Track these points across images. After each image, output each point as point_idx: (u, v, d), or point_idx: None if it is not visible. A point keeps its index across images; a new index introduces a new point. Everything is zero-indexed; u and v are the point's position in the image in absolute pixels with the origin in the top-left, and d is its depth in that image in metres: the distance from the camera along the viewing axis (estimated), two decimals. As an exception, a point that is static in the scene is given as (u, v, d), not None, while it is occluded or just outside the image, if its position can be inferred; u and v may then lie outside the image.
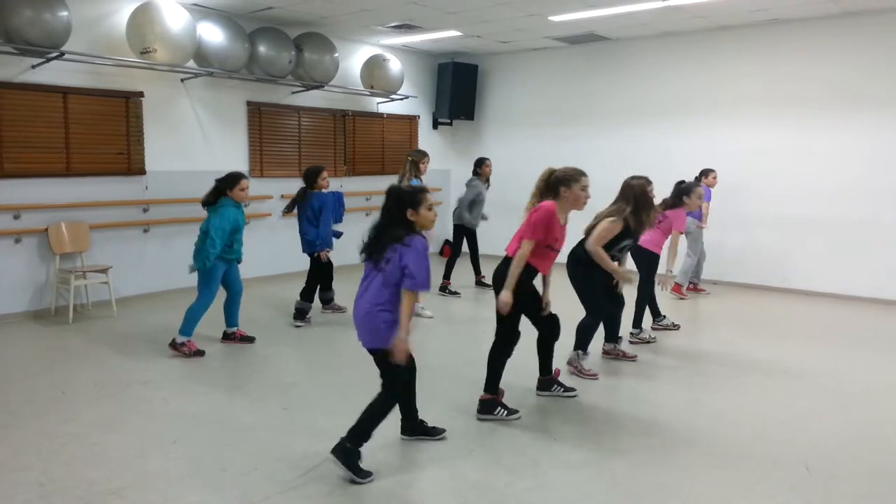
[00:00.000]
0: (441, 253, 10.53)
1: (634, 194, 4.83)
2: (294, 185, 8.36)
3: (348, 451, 3.35)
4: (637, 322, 5.92)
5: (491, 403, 4.13)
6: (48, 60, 6.43)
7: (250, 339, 5.78)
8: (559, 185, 4.07)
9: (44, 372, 4.99)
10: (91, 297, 6.93)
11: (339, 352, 5.66)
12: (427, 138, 10.76)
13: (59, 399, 4.42)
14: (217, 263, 5.34)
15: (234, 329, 5.77)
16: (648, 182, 4.94)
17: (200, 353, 5.39)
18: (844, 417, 4.22)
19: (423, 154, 7.06)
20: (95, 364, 5.16)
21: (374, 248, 3.35)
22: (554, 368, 4.53)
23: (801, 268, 8.14)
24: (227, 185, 5.38)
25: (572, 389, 4.50)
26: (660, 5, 7.33)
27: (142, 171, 7.30)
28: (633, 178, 4.95)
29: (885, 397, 4.60)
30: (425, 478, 3.40)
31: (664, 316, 6.32)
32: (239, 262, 5.63)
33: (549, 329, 4.31)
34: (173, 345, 5.39)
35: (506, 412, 4.12)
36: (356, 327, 3.42)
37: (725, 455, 3.65)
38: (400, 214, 3.34)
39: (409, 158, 6.93)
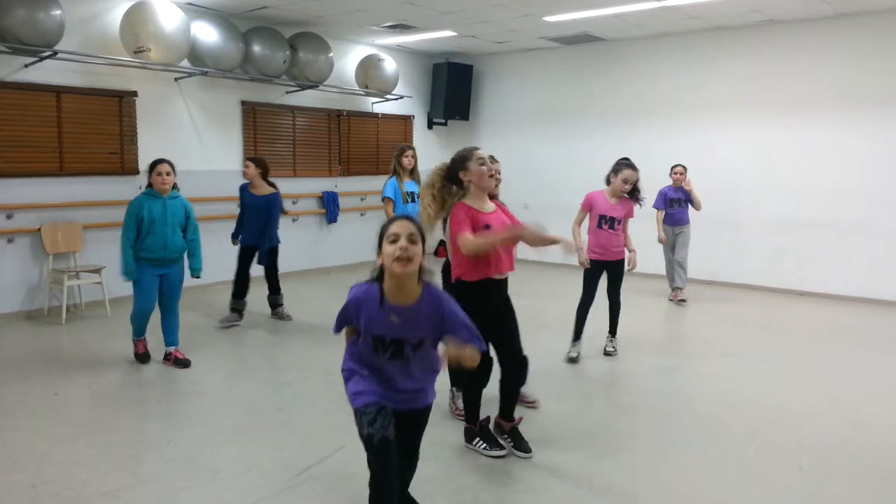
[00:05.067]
0: (436, 253, 10.50)
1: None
2: (288, 185, 8.41)
3: None
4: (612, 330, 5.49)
5: (469, 432, 3.72)
6: (41, 59, 6.40)
7: (182, 363, 5.04)
8: (457, 173, 3.50)
9: (37, 372, 4.96)
10: (84, 298, 6.90)
11: (335, 353, 5.63)
12: (422, 138, 10.75)
13: (52, 400, 4.40)
14: (139, 268, 4.79)
15: (173, 348, 5.12)
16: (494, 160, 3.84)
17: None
18: (838, 417, 4.23)
19: (405, 147, 6.50)
20: (88, 364, 5.13)
21: None
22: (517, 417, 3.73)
23: (796, 268, 8.16)
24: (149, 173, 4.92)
25: (501, 448, 3.62)
26: (655, 6, 7.35)
27: (135, 171, 7.27)
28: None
29: (879, 397, 4.62)
30: (417, 480, 3.39)
31: (578, 344, 5.30)
32: (170, 261, 4.88)
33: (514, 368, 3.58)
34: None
35: (485, 445, 3.61)
36: None
37: (719, 456, 3.66)
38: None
39: (395, 153, 6.83)
